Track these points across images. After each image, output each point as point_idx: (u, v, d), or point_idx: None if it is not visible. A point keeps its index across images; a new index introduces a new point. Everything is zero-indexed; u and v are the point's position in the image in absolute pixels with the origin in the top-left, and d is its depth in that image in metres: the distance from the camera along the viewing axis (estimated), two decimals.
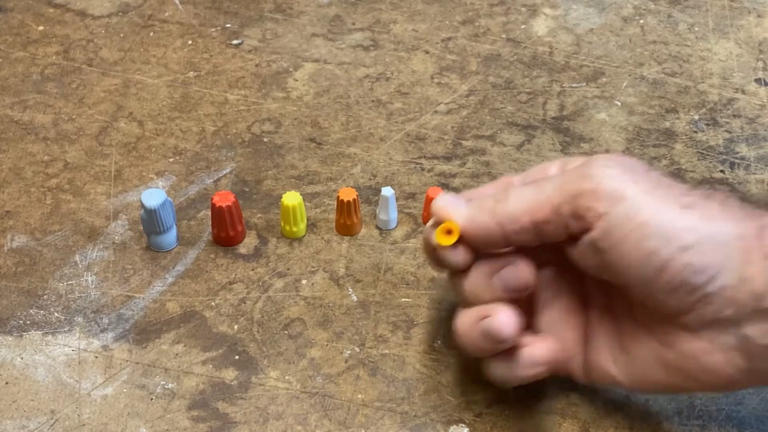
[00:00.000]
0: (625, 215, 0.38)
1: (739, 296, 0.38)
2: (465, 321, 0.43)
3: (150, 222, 0.52)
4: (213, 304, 0.51)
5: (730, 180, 0.58)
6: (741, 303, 0.38)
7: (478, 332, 0.41)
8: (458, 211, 0.42)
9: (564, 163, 0.44)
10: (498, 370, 0.43)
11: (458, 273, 0.43)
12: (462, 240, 0.42)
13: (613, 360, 0.43)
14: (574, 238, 0.40)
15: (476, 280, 0.43)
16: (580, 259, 0.41)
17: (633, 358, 0.42)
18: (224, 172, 0.59)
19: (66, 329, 0.50)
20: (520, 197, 0.41)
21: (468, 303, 0.43)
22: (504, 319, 0.41)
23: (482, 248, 0.42)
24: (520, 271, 0.42)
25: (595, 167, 0.39)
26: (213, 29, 0.70)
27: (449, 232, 0.42)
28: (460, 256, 0.42)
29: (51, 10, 0.72)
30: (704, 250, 0.38)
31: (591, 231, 0.39)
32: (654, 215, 0.38)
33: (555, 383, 0.47)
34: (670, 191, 0.39)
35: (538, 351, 0.42)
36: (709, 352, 0.39)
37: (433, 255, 0.44)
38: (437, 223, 0.43)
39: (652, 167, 0.41)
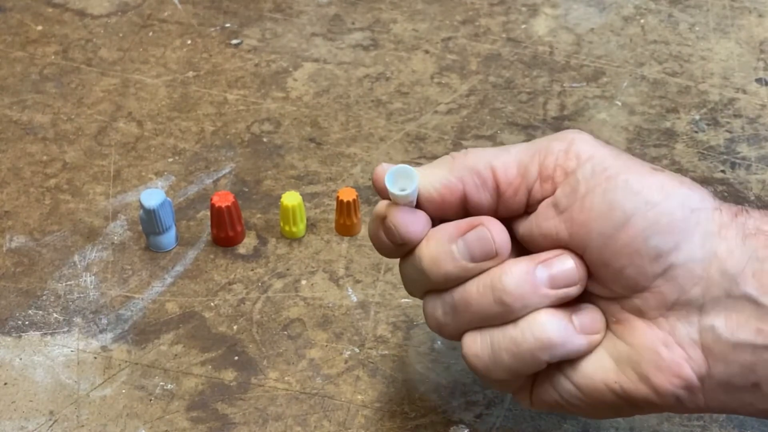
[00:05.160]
0: (592, 170, 0.35)
1: (708, 274, 0.33)
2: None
3: (149, 222, 0.52)
4: (212, 304, 0.51)
5: (731, 180, 0.58)
6: (710, 282, 0.33)
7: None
8: (411, 168, 0.37)
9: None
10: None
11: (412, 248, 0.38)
12: (417, 203, 0.37)
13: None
14: (526, 210, 0.37)
15: (437, 247, 0.37)
16: (535, 226, 0.37)
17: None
18: (223, 172, 0.59)
19: (65, 330, 0.49)
20: (482, 153, 0.38)
21: (429, 281, 0.37)
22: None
23: (436, 212, 0.38)
24: (494, 231, 0.36)
25: (567, 132, 0.38)
26: (212, 29, 0.70)
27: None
28: (420, 221, 0.37)
29: (50, 10, 0.72)
30: (673, 210, 0.34)
31: (555, 191, 0.36)
32: (622, 171, 0.35)
33: None
34: (638, 160, 0.37)
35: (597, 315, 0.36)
36: (668, 344, 0.34)
37: (384, 232, 0.38)
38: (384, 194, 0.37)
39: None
